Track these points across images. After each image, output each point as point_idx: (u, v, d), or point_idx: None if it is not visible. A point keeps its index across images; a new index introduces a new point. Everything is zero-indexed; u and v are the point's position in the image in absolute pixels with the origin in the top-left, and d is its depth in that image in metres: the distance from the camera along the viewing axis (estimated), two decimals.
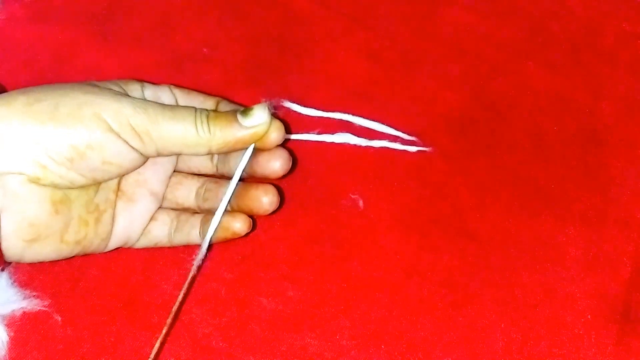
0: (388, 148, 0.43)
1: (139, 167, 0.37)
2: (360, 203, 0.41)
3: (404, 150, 0.43)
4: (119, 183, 0.38)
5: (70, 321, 0.37)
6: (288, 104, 0.44)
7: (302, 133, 0.43)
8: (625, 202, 0.42)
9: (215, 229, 0.37)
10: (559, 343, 0.38)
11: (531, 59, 0.47)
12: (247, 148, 0.37)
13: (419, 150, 0.43)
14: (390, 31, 0.48)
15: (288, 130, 0.40)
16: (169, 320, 0.34)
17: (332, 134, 0.43)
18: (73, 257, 0.37)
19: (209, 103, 0.40)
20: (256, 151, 0.38)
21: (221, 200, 0.38)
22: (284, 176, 0.38)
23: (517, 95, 0.45)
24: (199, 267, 0.37)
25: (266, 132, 0.36)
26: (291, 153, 0.38)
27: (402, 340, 0.38)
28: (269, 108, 0.37)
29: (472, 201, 0.42)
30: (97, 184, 0.37)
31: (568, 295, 0.39)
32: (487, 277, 0.39)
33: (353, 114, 0.44)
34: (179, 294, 0.35)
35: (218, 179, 0.41)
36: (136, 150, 0.36)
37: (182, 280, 0.38)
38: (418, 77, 0.46)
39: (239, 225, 0.38)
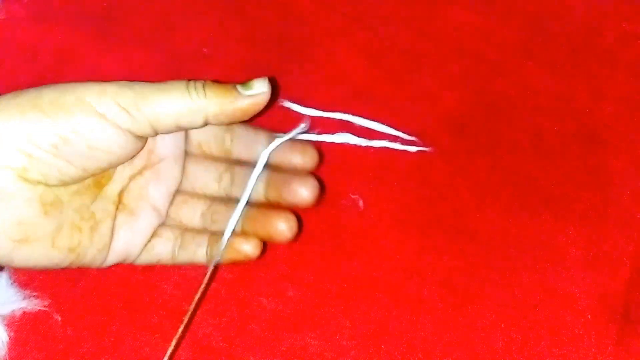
0: (388, 148, 0.43)
1: (133, 152, 0.36)
2: (360, 203, 0.41)
3: (404, 150, 0.43)
4: (120, 195, 0.37)
5: (70, 321, 0.37)
6: (288, 104, 0.44)
7: (302, 133, 0.43)
8: (626, 202, 0.42)
9: (225, 249, 0.37)
10: (558, 343, 0.38)
11: (531, 59, 0.47)
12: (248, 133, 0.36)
13: (419, 150, 0.43)
14: (390, 31, 0.48)
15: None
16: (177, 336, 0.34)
17: (332, 134, 0.43)
18: (67, 267, 0.36)
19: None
20: (276, 170, 0.37)
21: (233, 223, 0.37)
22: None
23: (517, 95, 0.45)
24: (206, 289, 0.37)
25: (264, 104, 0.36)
26: (320, 181, 0.38)
27: (402, 340, 0.38)
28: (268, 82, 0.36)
29: (472, 201, 0.42)
30: (91, 178, 0.36)
31: (568, 295, 0.39)
32: (487, 277, 0.39)
33: (353, 114, 0.44)
34: (187, 312, 0.35)
35: (227, 202, 0.39)
36: (127, 130, 0.34)
37: (182, 280, 0.39)
38: (418, 77, 0.46)
39: (251, 248, 0.37)
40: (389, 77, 0.46)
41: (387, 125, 0.43)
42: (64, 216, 0.35)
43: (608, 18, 0.49)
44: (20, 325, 0.37)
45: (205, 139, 0.40)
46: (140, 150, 0.36)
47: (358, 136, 0.43)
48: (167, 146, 0.38)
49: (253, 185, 0.38)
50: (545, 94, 0.46)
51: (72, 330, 0.37)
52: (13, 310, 0.37)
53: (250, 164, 0.39)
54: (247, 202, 0.38)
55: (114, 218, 0.37)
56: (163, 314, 0.38)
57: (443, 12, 0.49)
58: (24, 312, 0.37)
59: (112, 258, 0.37)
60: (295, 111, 0.44)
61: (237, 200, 0.38)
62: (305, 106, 0.44)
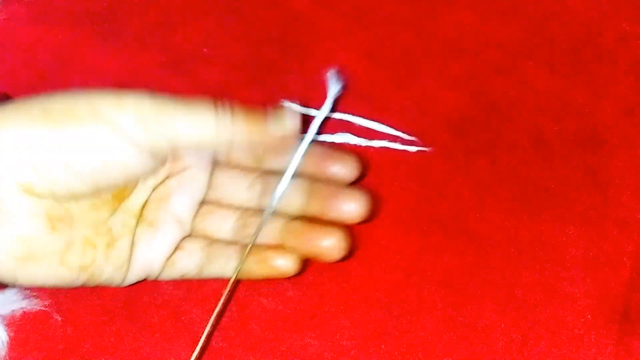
0: (388, 148, 0.43)
1: (149, 171, 0.33)
2: None
3: (404, 150, 0.43)
4: (142, 207, 0.35)
5: (70, 321, 0.37)
6: (288, 104, 0.44)
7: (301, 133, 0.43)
8: (626, 202, 0.42)
9: (257, 263, 0.34)
10: (559, 343, 0.38)
11: (531, 59, 0.47)
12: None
13: (419, 150, 0.43)
14: (390, 31, 0.48)
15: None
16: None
17: (332, 134, 0.43)
18: (83, 285, 0.34)
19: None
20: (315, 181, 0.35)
21: (268, 235, 0.34)
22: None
23: (517, 95, 0.45)
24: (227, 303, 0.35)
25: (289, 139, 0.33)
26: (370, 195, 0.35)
27: (402, 340, 0.37)
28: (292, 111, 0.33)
29: (472, 201, 0.42)
30: (104, 197, 0.33)
31: (568, 295, 0.39)
32: (487, 277, 0.39)
33: (353, 114, 0.44)
34: (205, 329, 0.33)
35: (259, 214, 0.36)
36: (144, 148, 0.31)
37: (183, 280, 0.38)
38: (418, 77, 0.46)
39: (288, 264, 0.34)
40: (389, 77, 0.46)
41: (387, 125, 0.43)
42: (74, 232, 0.33)
43: (608, 18, 0.49)
44: (21, 325, 0.37)
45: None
46: (160, 167, 0.34)
47: (358, 136, 0.43)
48: (192, 154, 0.36)
49: (287, 191, 0.35)
50: (545, 94, 0.46)
51: (72, 330, 0.37)
52: (13, 310, 0.37)
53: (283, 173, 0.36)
54: (287, 214, 0.35)
55: (134, 233, 0.35)
56: (163, 314, 0.38)
57: (443, 12, 0.49)
58: (24, 312, 0.37)
59: (133, 276, 0.35)
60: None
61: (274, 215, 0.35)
62: (305, 106, 0.44)
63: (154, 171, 0.34)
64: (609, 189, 0.42)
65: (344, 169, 0.36)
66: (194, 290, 0.38)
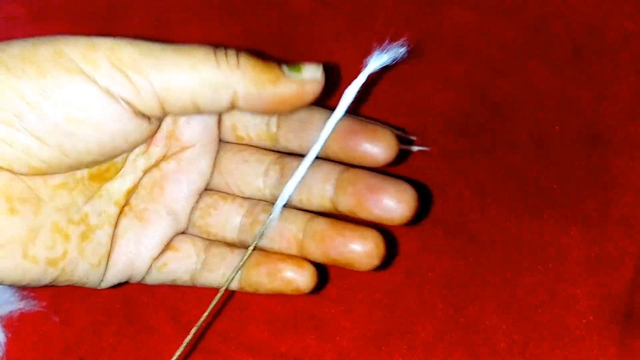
0: None
1: (133, 135, 0.26)
2: None
3: (404, 150, 0.43)
4: (127, 194, 0.29)
5: (68, 322, 0.37)
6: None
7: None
8: (628, 202, 0.41)
9: (266, 277, 0.29)
10: (561, 344, 0.37)
11: (533, 58, 0.46)
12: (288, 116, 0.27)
13: (419, 150, 0.43)
14: (391, 31, 0.48)
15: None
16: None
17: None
18: (52, 284, 0.29)
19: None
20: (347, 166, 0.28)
21: (283, 238, 0.28)
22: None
23: (518, 94, 0.45)
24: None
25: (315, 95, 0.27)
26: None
27: (402, 342, 0.37)
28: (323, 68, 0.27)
29: (473, 201, 0.41)
30: (82, 173, 0.27)
31: (570, 296, 0.39)
32: (488, 277, 0.39)
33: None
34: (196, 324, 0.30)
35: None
36: (122, 99, 0.25)
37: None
38: (418, 77, 0.46)
39: (304, 280, 0.29)
40: (389, 76, 0.46)
41: (387, 124, 0.43)
42: (41, 217, 0.27)
43: (610, 17, 0.48)
44: (18, 326, 0.37)
45: (242, 121, 0.30)
46: (150, 135, 0.27)
47: None
48: (193, 129, 0.29)
49: (310, 179, 0.28)
50: (547, 94, 0.45)
51: (70, 331, 0.37)
52: (11, 311, 0.37)
53: (304, 156, 0.29)
54: (310, 210, 0.29)
55: (115, 224, 0.29)
56: (161, 315, 0.38)
57: (444, 11, 0.49)
58: (22, 313, 0.37)
59: (112, 276, 0.30)
60: None
61: (288, 205, 0.29)
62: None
63: (141, 137, 0.27)
64: (611, 189, 0.42)
65: (378, 147, 0.29)
66: (194, 291, 0.38)
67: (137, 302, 0.38)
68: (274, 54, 0.47)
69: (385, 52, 0.30)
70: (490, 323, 0.38)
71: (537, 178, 0.42)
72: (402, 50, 0.29)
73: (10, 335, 0.37)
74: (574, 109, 0.45)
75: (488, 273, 0.39)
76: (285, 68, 0.27)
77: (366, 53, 0.47)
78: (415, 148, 0.43)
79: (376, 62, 0.30)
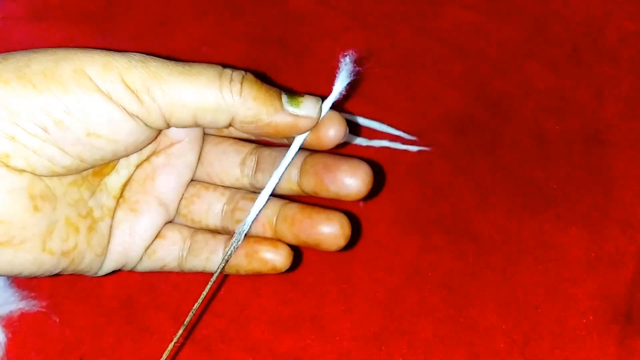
0: (388, 148, 0.43)
1: (142, 143, 0.29)
2: (360, 203, 0.41)
3: (405, 150, 0.43)
4: (122, 187, 0.31)
5: (68, 322, 0.37)
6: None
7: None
8: (628, 202, 0.41)
9: (246, 258, 0.31)
10: (561, 344, 0.37)
11: (533, 58, 0.46)
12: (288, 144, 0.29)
13: (419, 150, 0.43)
14: (391, 30, 0.48)
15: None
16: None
17: None
18: (57, 274, 0.31)
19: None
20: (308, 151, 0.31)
21: (259, 224, 0.30)
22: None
23: (518, 94, 0.45)
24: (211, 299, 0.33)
25: (313, 128, 0.29)
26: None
27: (402, 341, 0.37)
28: (322, 102, 0.29)
29: (473, 201, 0.41)
30: (88, 170, 0.30)
31: (570, 296, 0.39)
32: (489, 277, 0.39)
33: (353, 114, 0.43)
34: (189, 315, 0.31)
35: (252, 195, 0.33)
36: (135, 117, 0.28)
37: (181, 280, 0.38)
38: (418, 77, 0.46)
39: (280, 258, 0.31)
40: (389, 76, 0.46)
41: (387, 124, 0.43)
42: (57, 212, 0.29)
43: (610, 17, 0.48)
44: (19, 326, 0.37)
45: None
46: (153, 140, 0.30)
47: (358, 136, 0.43)
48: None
49: (285, 171, 0.30)
50: (546, 93, 0.45)
51: (70, 331, 0.37)
52: (11, 311, 0.37)
53: (281, 144, 0.32)
54: (282, 196, 0.32)
55: (113, 215, 0.31)
56: (161, 315, 0.38)
57: (443, 11, 0.49)
58: (22, 313, 0.37)
59: (109, 265, 0.32)
60: None
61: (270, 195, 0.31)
62: None
63: (147, 143, 0.30)
64: (611, 189, 0.42)
65: (336, 132, 0.31)
66: (193, 292, 0.38)
67: (137, 302, 0.38)
68: (274, 53, 0.47)
69: (345, 73, 0.31)
70: (490, 323, 0.38)
71: (537, 178, 0.42)
72: (353, 67, 0.31)
73: (10, 335, 0.37)
74: (574, 109, 0.45)
75: (488, 273, 0.39)
76: (285, 99, 0.29)
77: (366, 53, 0.47)
78: (415, 148, 0.43)
79: (345, 77, 0.31)
